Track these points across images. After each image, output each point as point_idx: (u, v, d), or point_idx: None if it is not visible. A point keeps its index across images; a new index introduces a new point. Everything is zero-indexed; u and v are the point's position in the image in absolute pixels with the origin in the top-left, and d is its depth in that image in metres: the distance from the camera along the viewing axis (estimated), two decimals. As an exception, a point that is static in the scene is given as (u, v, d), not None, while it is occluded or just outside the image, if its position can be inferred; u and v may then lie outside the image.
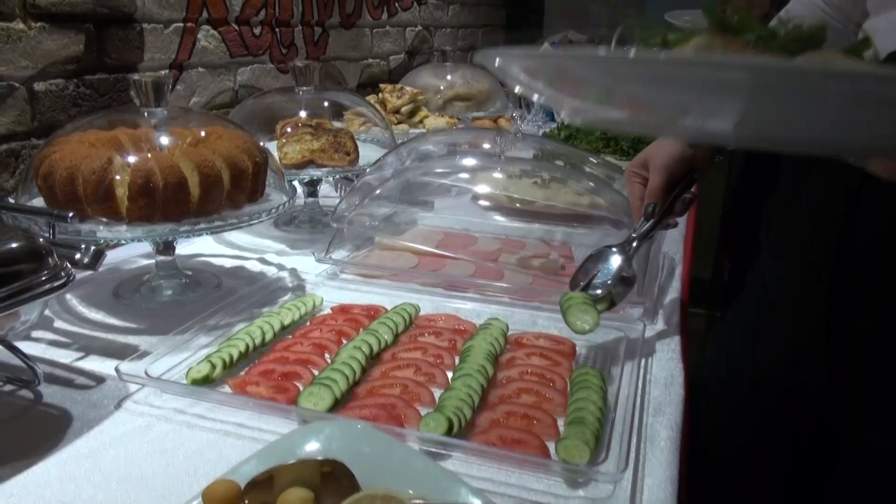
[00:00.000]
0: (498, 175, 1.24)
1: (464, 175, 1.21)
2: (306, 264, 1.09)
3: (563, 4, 3.43)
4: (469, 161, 1.14)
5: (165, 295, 0.95)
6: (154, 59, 1.31)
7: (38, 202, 0.89)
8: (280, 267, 1.09)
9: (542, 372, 0.73)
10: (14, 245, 0.61)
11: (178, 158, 0.83)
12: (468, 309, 0.90)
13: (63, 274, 0.63)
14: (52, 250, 0.64)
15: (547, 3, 3.49)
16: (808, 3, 0.98)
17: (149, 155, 0.84)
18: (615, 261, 0.84)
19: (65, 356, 0.78)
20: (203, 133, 0.92)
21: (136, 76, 0.87)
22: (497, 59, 0.42)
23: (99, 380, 0.73)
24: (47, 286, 0.61)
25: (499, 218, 1.29)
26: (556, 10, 3.48)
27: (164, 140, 0.89)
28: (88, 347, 0.80)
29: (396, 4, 2.27)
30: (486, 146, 1.15)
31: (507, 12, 3.39)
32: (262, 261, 1.11)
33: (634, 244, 0.85)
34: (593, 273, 0.84)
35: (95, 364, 0.76)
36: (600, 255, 0.85)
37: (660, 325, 0.89)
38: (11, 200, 0.89)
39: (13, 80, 1.04)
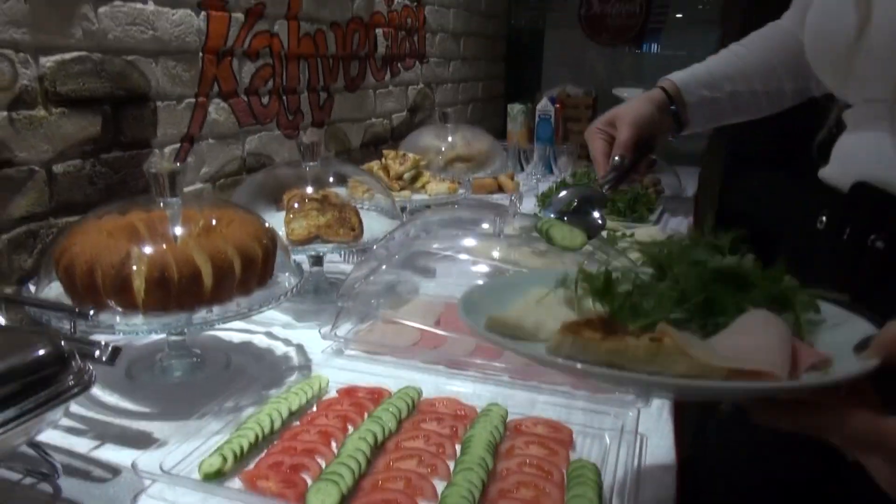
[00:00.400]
0: (497, 244, 1.29)
1: (465, 243, 1.25)
2: (312, 338, 1.12)
3: (561, 57, 3.52)
4: (469, 237, 1.19)
5: (176, 375, 0.98)
6: (166, 133, 1.36)
7: (56, 286, 0.93)
8: (286, 342, 1.12)
9: (540, 463, 0.76)
10: (41, 352, 0.65)
11: (192, 250, 0.87)
12: (468, 392, 0.93)
13: (86, 378, 0.67)
14: (74, 353, 0.68)
15: (545, 55, 3.58)
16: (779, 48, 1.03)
17: (164, 246, 0.88)
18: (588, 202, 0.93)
19: (81, 444, 0.81)
20: (214, 221, 0.96)
21: (152, 169, 0.92)
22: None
23: (115, 472, 0.76)
24: (74, 391, 0.65)
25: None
26: (555, 61, 3.57)
27: (178, 230, 0.93)
28: (104, 435, 0.83)
29: (399, 65, 2.34)
30: (485, 225, 1.19)
31: (507, 64, 3.48)
32: (269, 335, 1.15)
33: (605, 189, 0.95)
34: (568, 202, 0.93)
35: (112, 453, 0.79)
36: (574, 190, 0.95)
37: (653, 407, 0.92)
38: (32, 287, 0.93)
39: (33, 164, 1.09)
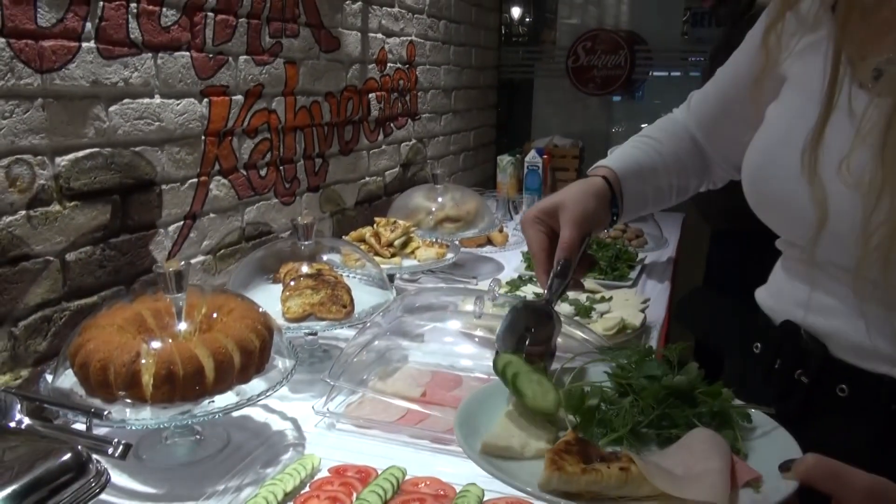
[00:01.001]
0: (480, 311, 1.38)
1: (450, 325, 1.34)
2: (306, 411, 1.20)
3: (550, 105, 3.65)
4: (453, 319, 1.28)
5: (180, 455, 1.07)
6: (171, 213, 1.46)
7: (70, 374, 1.02)
8: (282, 415, 1.21)
9: (510, 545, 0.85)
10: (64, 459, 0.74)
11: (195, 346, 0.97)
12: (450, 471, 1.01)
13: (103, 479, 0.75)
14: (92, 457, 0.77)
15: (535, 103, 3.71)
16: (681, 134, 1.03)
17: (170, 341, 0.97)
18: (545, 323, 0.79)
19: (95, 530, 0.89)
20: (215, 314, 1.06)
21: (160, 269, 1.01)
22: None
23: (126, 557, 0.84)
24: (94, 492, 0.73)
25: (486, 352, 1.41)
26: (544, 109, 3.69)
27: (183, 325, 1.02)
28: (116, 519, 0.92)
29: (391, 125, 2.45)
30: (468, 308, 1.28)
31: (498, 112, 3.60)
32: (266, 408, 1.23)
33: (553, 303, 0.81)
34: (521, 334, 0.78)
35: (123, 538, 0.88)
36: (524, 314, 0.81)
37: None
38: (49, 376, 1.02)
39: (48, 255, 1.18)
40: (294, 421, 1.19)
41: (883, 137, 0.60)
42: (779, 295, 0.78)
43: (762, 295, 0.83)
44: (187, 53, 1.45)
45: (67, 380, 1.02)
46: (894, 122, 0.59)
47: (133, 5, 1.30)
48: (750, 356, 0.81)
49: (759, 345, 0.80)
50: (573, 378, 0.78)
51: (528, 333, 0.78)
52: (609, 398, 0.72)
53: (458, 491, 0.95)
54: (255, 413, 1.22)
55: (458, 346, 1.39)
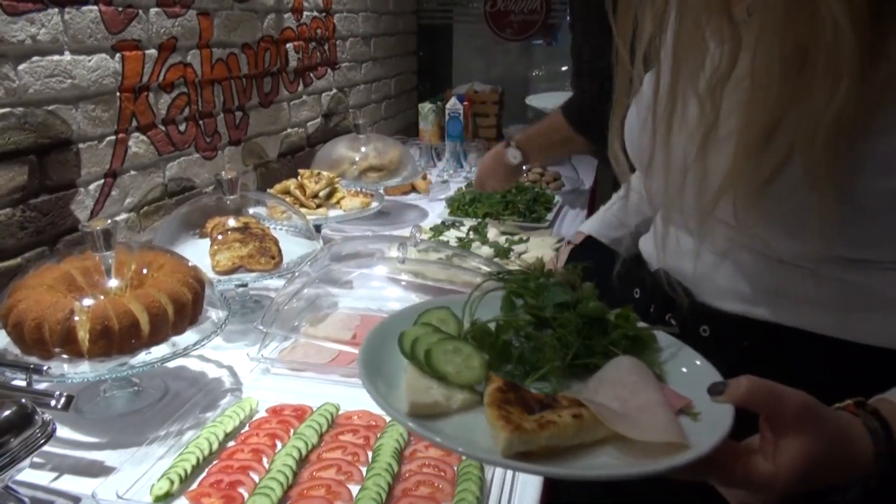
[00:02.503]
0: (404, 256, 1.45)
1: (376, 271, 1.41)
2: (241, 359, 1.26)
3: (470, 51, 3.68)
4: (379, 265, 1.35)
5: (119, 406, 1.11)
6: (90, 172, 1.45)
7: (2, 336, 1.04)
8: (218, 364, 1.26)
9: (436, 463, 0.94)
10: (8, 412, 0.78)
11: (129, 301, 1.00)
12: (379, 404, 1.09)
13: (49, 429, 0.80)
14: (37, 408, 0.81)
15: (455, 49, 3.73)
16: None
17: (103, 298, 1.01)
18: None
19: (43, 477, 0.94)
20: (145, 269, 1.09)
21: (87, 228, 1.03)
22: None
23: (76, 500, 0.89)
24: (41, 441, 0.78)
25: (412, 295, 1.49)
26: (464, 55, 3.72)
27: (114, 282, 1.05)
28: (61, 466, 0.96)
29: (311, 75, 2.45)
30: (393, 254, 1.35)
31: (419, 58, 3.61)
32: (202, 358, 1.28)
33: None
34: None
35: (71, 483, 0.92)
36: None
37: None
38: (-20, 339, 1.04)
39: (-33, 218, 1.18)
40: (230, 368, 1.24)
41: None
42: (654, 243, 0.86)
43: (643, 242, 0.92)
44: (95, 7, 1.42)
45: (0, 341, 1.04)
46: (668, 101, 0.68)
47: (35, -42, 1.27)
48: (632, 301, 0.89)
49: (638, 290, 0.90)
50: (474, 308, 0.71)
51: None
52: (524, 331, 0.68)
53: (388, 420, 1.04)
54: (192, 363, 1.26)
55: (385, 290, 1.46)
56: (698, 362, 0.67)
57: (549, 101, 2.84)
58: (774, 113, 0.60)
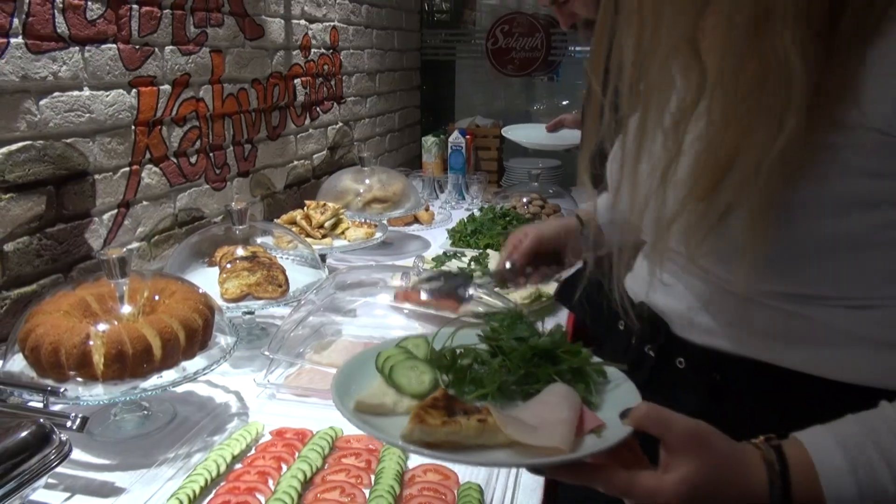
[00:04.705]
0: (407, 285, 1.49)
1: (379, 300, 1.45)
2: (247, 384, 1.29)
3: (472, 86, 3.77)
4: (382, 294, 1.39)
5: (129, 429, 1.14)
6: (105, 202, 1.50)
7: (18, 358, 1.08)
8: (225, 389, 1.29)
9: (436, 487, 0.97)
10: (26, 432, 0.81)
11: (142, 327, 1.04)
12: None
13: (66, 449, 0.83)
14: (54, 428, 0.84)
15: (458, 84, 3.82)
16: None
17: (117, 323, 1.05)
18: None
19: (56, 497, 0.97)
20: (157, 296, 1.13)
21: (103, 256, 1.08)
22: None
23: (88, 520, 0.92)
24: (57, 462, 0.81)
25: (414, 324, 1.53)
26: (467, 90, 3.81)
27: (127, 307, 1.10)
28: (73, 487, 0.99)
29: (318, 109, 2.52)
30: (397, 283, 1.40)
31: (422, 92, 3.69)
32: (209, 383, 1.31)
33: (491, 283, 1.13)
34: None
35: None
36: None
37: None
38: (-2, 362, 1.08)
39: (-13, 246, 1.22)
40: (237, 393, 1.28)
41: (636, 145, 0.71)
42: (637, 277, 0.89)
43: (628, 278, 0.95)
44: (114, 46, 1.49)
45: (17, 363, 1.08)
46: (638, 133, 0.70)
47: (59, 0, 1.33)
48: (616, 333, 0.93)
49: (622, 323, 0.93)
50: (450, 340, 0.82)
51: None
52: (481, 358, 0.78)
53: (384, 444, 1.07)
54: (200, 388, 1.30)
55: (388, 318, 1.50)
56: (634, 396, 0.72)
57: (522, 133, 2.96)
58: (727, 150, 0.63)
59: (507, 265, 1.20)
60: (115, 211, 1.54)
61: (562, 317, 1.64)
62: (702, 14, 0.64)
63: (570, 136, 2.66)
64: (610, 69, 0.70)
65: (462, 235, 2.15)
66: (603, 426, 0.67)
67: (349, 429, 1.12)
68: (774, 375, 0.72)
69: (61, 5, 1.34)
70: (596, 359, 0.77)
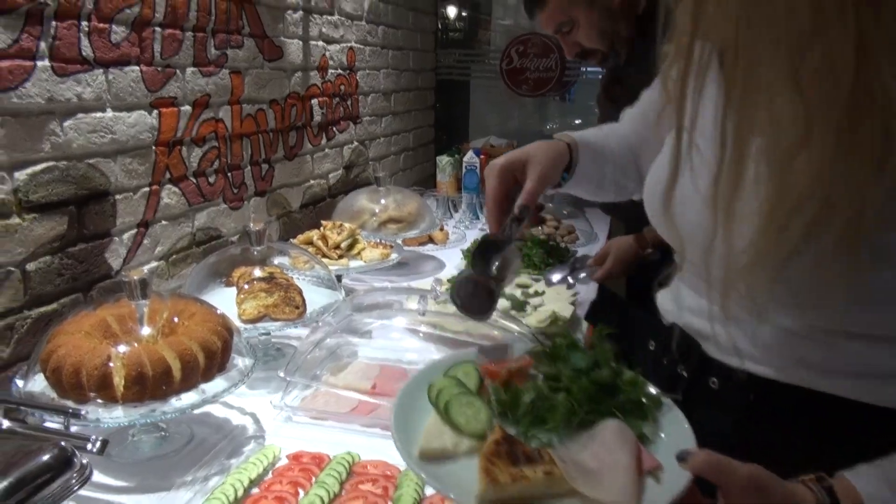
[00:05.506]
0: (423, 308, 1.49)
1: (395, 322, 1.45)
2: (264, 405, 1.29)
3: (486, 105, 3.79)
4: (399, 316, 1.39)
5: (146, 451, 1.14)
6: (125, 222, 1.52)
7: (39, 378, 1.08)
8: (241, 411, 1.29)
9: (454, 515, 0.96)
10: (48, 456, 0.82)
11: (162, 349, 1.05)
12: (397, 454, 1.12)
13: (87, 472, 0.83)
14: (75, 452, 0.85)
15: (472, 103, 3.84)
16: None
17: (137, 345, 1.05)
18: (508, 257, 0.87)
19: (73, 520, 0.97)
20: (177, 318, 1.14)
21: (125, 277, 1.09)
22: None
23: (107, 544, 0.92)
24: (78, 485, 0.81)
25: (430, 346, 1.53)
26: (481, 109, 3.83)
27: (147, 329, 1.10)
28: (92, 510, 0.99)
29: (334, 129, 2.54)
30: (413, 306, 1.39)
31: (437, 111, 3.71)
32: (226, 405, 1.31)
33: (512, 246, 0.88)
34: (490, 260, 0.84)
35: (101, 527, 0.96)
36: (492, 245, 0.86)
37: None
38: (19, 381, 1.08)
39: (9, 266, 1.23)
40: (253, 415, 1.28)
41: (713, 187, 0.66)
42: (671, 298, 0.90)
43: (661, 297, 0.95)
44: (137, 68, 1.51)
45: (37, 384, 1.08)
46: (722, 172, 0.65)
47: (84, 24, 1.36)
48: (647, 352, 0.94)
49: (653, 342, 0.93)
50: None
51: (494, 261, 0.86)
52: (542, 393, 0.77)
53: (401, 470, 1.06)
54: (216, 410, 1.30)
55: (404, 341, 1.50)
56: (685, 426, 0.73)
57: None
58: (823, 189, 0.59)
59: (518, 211, 0.90)
60: (135, 230, 1.55)
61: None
62: (800, 51, 0.59)
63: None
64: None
65: (477, 256, 2.15)
66: (660, 468, 0.67)
67: (366, 454, 1.12)
68: (814, 399, 0.72)
69: (87, 29, 1.36)
70: (651, 388, 0.77)
